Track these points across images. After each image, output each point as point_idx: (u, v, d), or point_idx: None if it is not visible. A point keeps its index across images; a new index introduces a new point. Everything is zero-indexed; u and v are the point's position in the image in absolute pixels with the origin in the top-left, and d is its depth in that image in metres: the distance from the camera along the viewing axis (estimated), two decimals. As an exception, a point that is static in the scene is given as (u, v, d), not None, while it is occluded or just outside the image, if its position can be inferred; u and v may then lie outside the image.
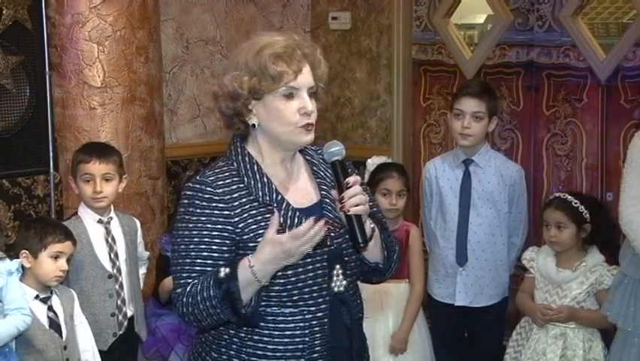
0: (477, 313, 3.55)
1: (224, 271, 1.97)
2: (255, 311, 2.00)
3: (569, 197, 3.34)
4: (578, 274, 3.30)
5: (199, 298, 1.99)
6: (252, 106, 2.07)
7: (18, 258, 2.90)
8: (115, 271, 3.20)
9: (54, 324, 2.91)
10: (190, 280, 2.02)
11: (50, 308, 2.92)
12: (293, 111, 2.05)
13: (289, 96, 2.05)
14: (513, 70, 4.36)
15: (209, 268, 2.02)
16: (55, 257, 2.91)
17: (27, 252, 2.89)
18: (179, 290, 2.04)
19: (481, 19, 4.92)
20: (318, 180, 2.18)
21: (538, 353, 3.30)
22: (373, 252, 2.15)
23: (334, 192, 2.08)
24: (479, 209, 3.51)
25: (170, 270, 3.20)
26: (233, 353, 2.08)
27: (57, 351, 2.89)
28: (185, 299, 2.02)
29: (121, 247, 3.24)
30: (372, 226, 2.11)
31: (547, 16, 4.21)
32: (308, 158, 2.21)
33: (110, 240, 3.21)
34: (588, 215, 3.30)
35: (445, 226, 3.58)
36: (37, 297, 2.90)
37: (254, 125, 2.09)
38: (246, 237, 2.04)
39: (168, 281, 3.25)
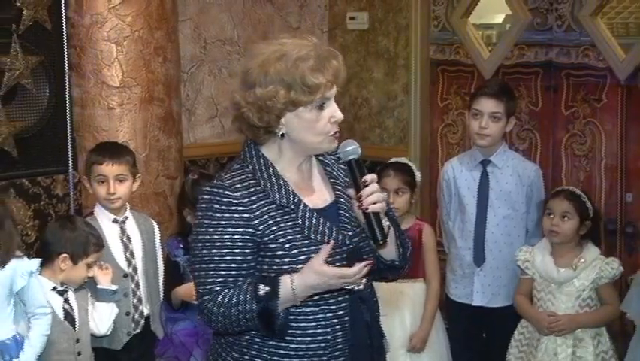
0: (494, 314, 3.54)
1: (264, 289, 1.99)
2: (286, 324, 2.02)
3: (578, 191, 3.36)
4: (579, 271, 3.29)
5: (233, 311, 2.00)
6: (283, 117, 2.06)
7: (49, 256, 2.91)
8: (131, 270, 3.22)
9: (69, 316, 2.94)
10: (217, 288, 2.03)
11: (67, 301, 2.94)
12: (325, 121, 2.07)
13: (321, 106, 2.06)
14: (531, 70, 4.34)
15: (233, 272, 2.03)
16: (89, 265, 2.95)
17: (68, 256, 2.91)
18: (206, 297, 2.04)
19: (499, 18, 4.89)
20: (331, 180, 2.19)
21: (549, 355, 3.29)
22: (389, 249, 2.16)
23: (351, 191, 2.09)
24: (497, 209, 3.50)
25: (179, 276, 3.27)
26: (255, 353, 2.08)
27: (69, 343, 2.91)
28: (215, 308, 2.03)
29: (137, 245, 3.25)
30: (387, 223, 2.11)
31: (567, 15, 4.18)
32: (320, 158, 2.21)
33: (124, 239, 3.22)
34: (592, 212, 3.30)
35: (463, 226, 3.57)
36: (54, 289, 2.92)
37: (282, 135, 2.08)
38: (267, 238, 2.04)
39: (181, 290, 3.25)
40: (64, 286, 2.95)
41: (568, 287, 3.31)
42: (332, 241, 2.03)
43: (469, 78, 4.58)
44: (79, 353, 2.93)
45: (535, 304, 3.39)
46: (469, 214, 3.54)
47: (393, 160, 3.72)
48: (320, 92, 2.04)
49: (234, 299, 2.00)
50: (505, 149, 3.57)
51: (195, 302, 2.98)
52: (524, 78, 4.36)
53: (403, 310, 3.56)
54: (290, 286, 1.98)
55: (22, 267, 2.78)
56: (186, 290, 3.18)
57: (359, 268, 2.00)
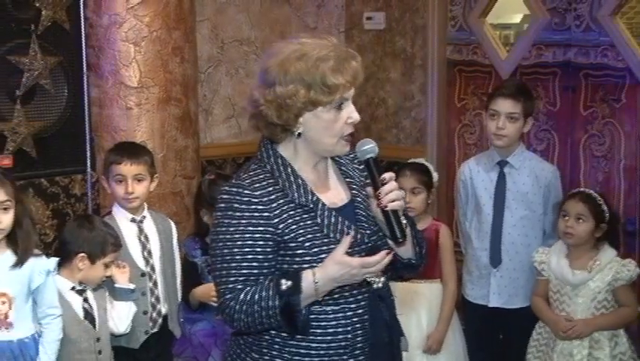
0: (511, 315, 3.52)
1: (285, 284, 1.99)
2: (308, 321, 2.02)
3: (594, 193, 3.33)
4: (594, 274, 3.26)
5: (256, 308, 2.00)
6: (302, 117, 2.07)
7: (67, 256, 2.92)
8: (148, 269, 3.23)
9: (89, 315, 2.94)
10: (239, 286, 2.03)
11: (86, 300, 2.96)
12: (342, 122, 2.07)
13: (339, 107, 2.06)
14: (550, 70, 4.32)
15: (255, 271, 2.03)
16: (107, 265, 2.97)
17: (86, 256, 2.92)
18: (228, 296, 2.04)
19: (517, 18, 4.88)
20: (347, 179, 2.20)
21: (565, 355, 3.28)
22: (407, 247, 2.16)
23: (369, 190, 2.10)
24: (514, 210, 3.48)
25: (197, 276, 3.28)
26: (275, 353, 2.08)
27: (90, 343, 2.92)
28: (237, 306, 2.02)
29: (155, 245, 3.26)
30: (404, 221, 2.11)
31: (585, 15, 4.16)
32: (336, 158, 2.22)
33: (142, 238, 3.23)
34: (608, 215, 3.28)
35: (480, 227, 3.56)
36: (72, 288, 2.93)
37: (299, 135, 2.09)
38: (286, 237, 2.05)
39: (199, 291, 3.25)
40: (83, 285, 2.97)
41: (583, 290, 3.29)
42: (352, 234, 2.04)
43: (487, 78, 4.57)
44: (99, 352, 2.94)
45: (552, 305, 3.38)
46: (486, 215, 3.53)
47: (410, 161, 3.72)
48: (339, 93, 2.04)
49: (256, 296, 2.00)
50: (522, 150, 3.55)
51: (213, 303, 3.01)
52: (542, 78, 4.34)
53: (420, 310, 3.55)
54: (312, 279, 1.98)
55: (40, 265, 2.79)
56: (204, 291, 3.19)
57: (381, 256, 2.00)
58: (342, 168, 2.21)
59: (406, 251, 2.17)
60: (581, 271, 3.28)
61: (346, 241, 2.00)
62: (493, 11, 4.59)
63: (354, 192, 2.17)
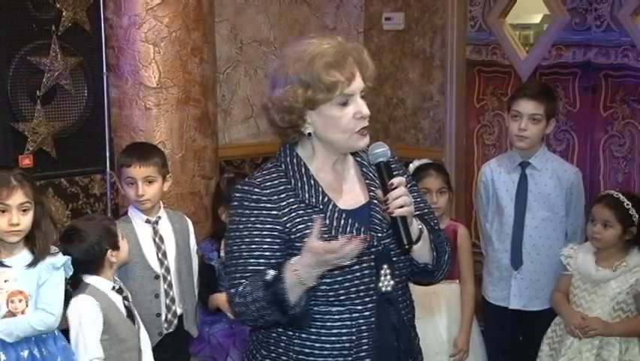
0: (532, 317, 3.50)
1: (270, 274, 1.98)
2: (305, 312, 2.00)
3: (622, 197, 3.28)
4: (618, 274, 3.24)
5: (250, 300, 2.00)
6: (307, 116, 2.06)
7: (95, 262, 2.91)
8: (163, 270, 3.21)
9: (130, 313, 2.95)
10: (243, 280, 2.03)
11: (126, 298, 2.96)
12: (349, 118, 2.05)
13: (344, 103, 2.05)
14: (569, 70, 4.29)
15: (261, 268, 2.03)
16: (122, 237, 3.00)
17: (110, 249, 2.93)
18: (232, 290, 2.05)
19: (537, 18, 4.85)
20: (367, 181, 2.18)
21: (574, 352, 3.26)
22: (421, 253, 2.14)
23: (379, 193, 2.08)
24: (535, 212, 3.46)
25: (215, 279, 3.27)
26: (281, 350, 2.10)
27: (135, 341, 2.93)
28: (238, 300, 2.03)
29: (170, 245, 3.25)
30: (419, 226, 2.10)
31: (606, 15, 4.13)
32: (358, 159, 2.21)
33: (157, 240, 3.22)
34: (637, 218, 3.24)
35: (501, 228, 3.54)
36: (113, 288, 2.93)
37: (309, 134, 2.09)
38: (293, 236, 2.05)
39: (219, 299, 3.24)
40: (118, 283, 2.97)
41: (604, 288, 3.26)
42: (321, 218, 1.99)
43: (506, 79, 4.55)
44: (139, 349, 2.95)
45: (571, 300, 3.36)
46: (507, 217, 3.51)
47: (416, 162, 3.67)
48: (338, 90, 2.02)
49: (249, 288, 2.00)
50: (544, 151, 3.53)
51: (229, 314, 3.02)
52: (562, 79, 4.32)
53: (438, 312, 3.54)
54: (292, 268, 1.96)
55: (49, 261, 2.77)
56: (224, 300, 3.17)
57: (342, 242, 1.91)
58: (364, 169, 2.20)
59: (422, 256, 2.15)
60: (606, 268, 3.25)
61: (316, 226, 1.94)
62: (513, 11, 4.57)
63: (372, 194, 2.15)
